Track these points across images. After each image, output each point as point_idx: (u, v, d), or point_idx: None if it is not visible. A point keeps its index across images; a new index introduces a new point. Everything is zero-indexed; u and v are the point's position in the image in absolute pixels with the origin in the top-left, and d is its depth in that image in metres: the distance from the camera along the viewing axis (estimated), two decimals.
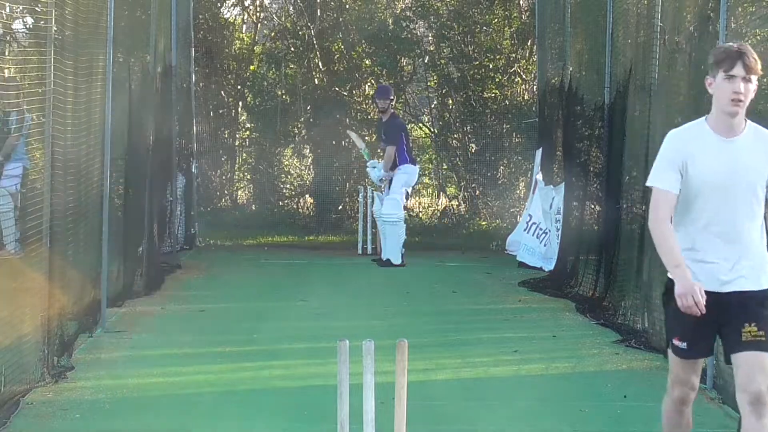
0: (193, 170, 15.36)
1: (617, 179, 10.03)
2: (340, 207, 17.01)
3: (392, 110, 14.19)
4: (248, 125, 17.74)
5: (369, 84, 17.27)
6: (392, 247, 13.58)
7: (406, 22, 17.14)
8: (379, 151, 15.35)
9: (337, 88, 16.94)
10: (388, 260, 13.57)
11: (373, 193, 14.43)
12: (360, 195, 15.33)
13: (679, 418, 5.04)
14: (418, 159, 16.11)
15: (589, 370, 8.07)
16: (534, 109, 15.74)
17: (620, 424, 6.60)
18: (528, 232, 13.60)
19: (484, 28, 16.90)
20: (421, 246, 15.23)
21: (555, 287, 11.61)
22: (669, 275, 4.91)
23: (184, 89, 14.62)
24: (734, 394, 4.96)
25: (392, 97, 14.26)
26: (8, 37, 8.33)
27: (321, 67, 17.12)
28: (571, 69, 12.37)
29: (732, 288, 4.83)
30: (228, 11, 17.85)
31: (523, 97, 17.03)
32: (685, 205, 4.88)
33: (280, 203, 17.39)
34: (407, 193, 14.32)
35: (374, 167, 14.12)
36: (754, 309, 4.80)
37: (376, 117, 15.46)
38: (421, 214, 17.18)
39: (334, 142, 16.99)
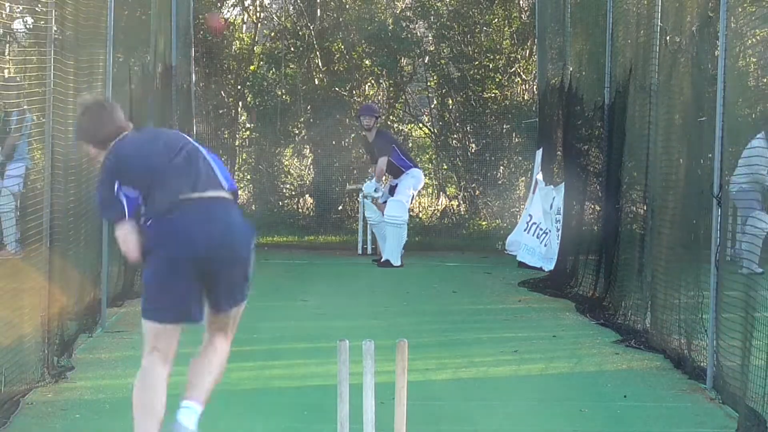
0: None
1: (617, 179, 10.03)
2: (340, 207, 17.00)
3: (377, 127, 14.01)
4: (248, 125, 17.73)
5: (369, 84, 17.27)
6: (392, 249, 13.57)
7: (406, 22, 17.13)
8: (370, 171, 15.13)
9: (337, 88, 16.92)
10: (387, 261, 13.57)
11: (363, 199, 14.40)
12: (360, 195, 15.32)
13: None
14: (418, 159, 16.10)
15: (589, 370, 8.06)
16: (534, 109, 15.73)
17: (620, 424, 6.59)
18: (528, 232, 13.59)
19: (484, 28, 16.89)
20: (421, 246, 15.23)
21: (555, 287, 11.61)
22: None
23: (184, 89, 14.60)
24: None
25: (378, 115, 14.13)
26: (8, 37, 8.34)
27: (321, 67, 17.11)
28: (571, 69, 12.37)
29: None
30: (228, 11, 17.84)
31: (523, 97, 17.02)
32: None
33: (280, 203, 17.38)
34: (413, 196, 14.28)
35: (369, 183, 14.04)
36: None
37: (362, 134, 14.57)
38: (421, 214, 17.16)
39: (334, 142, 16.98)
